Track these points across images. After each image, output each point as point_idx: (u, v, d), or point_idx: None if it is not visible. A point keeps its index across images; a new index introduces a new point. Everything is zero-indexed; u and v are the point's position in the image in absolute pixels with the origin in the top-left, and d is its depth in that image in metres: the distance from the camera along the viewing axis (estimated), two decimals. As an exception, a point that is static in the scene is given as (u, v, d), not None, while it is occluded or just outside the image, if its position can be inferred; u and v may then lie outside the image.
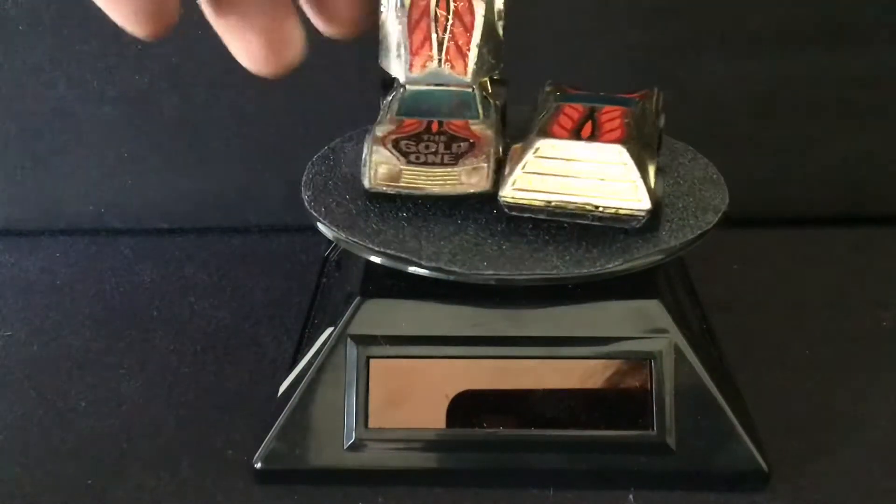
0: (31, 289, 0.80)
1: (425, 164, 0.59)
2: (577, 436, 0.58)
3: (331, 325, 0.61)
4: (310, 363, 0.60)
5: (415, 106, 0.63)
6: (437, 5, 0.63)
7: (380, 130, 0.61)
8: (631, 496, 0.58)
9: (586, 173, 0.57)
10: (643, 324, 0.59)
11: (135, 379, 0.69)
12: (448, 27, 0.63)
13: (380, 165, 0.59)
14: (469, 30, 0.64)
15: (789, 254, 0.84)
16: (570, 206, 0.57)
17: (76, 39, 0.83)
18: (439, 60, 0.64)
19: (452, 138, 0.61)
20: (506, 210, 0.58)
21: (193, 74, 0.84)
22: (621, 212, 0.56)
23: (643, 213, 0.56)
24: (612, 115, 0.60)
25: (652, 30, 0.83)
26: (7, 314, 0.77)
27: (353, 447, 0.59)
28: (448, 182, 0.59)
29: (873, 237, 0.86)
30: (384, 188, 0.59)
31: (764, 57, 0.84)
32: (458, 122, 0.62)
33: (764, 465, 0.58)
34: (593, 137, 0.58)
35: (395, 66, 0.64)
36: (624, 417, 0.58)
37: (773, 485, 0.59)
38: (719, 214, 0.61)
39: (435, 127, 0.62)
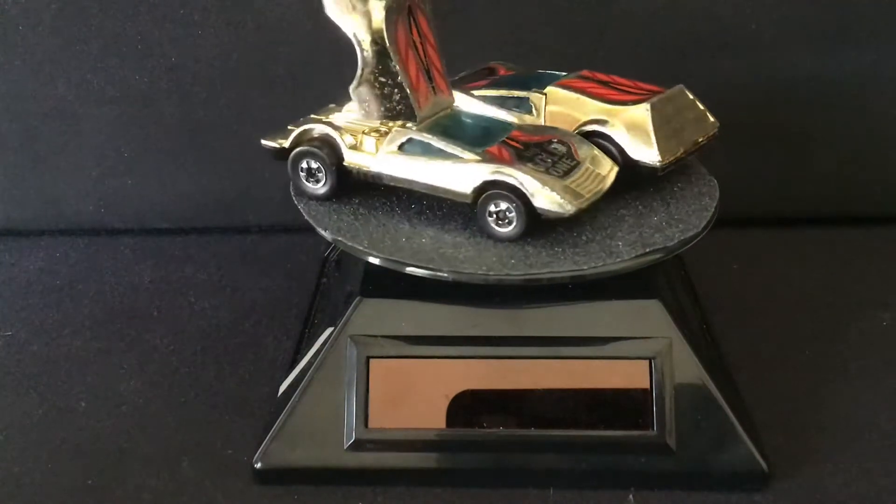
0: (31, 289, 0.80)
1: (568, 172, 0.58)
2: (577, 436, 0.58)
3: (331, 325, 0.61)
4: (310, 363, 0.60)
5: (461, 137, 0.59)
6: (410, 32, 0.61)
7: (513, 164, 0.57)
8: (631, 496, 0.58)
9: (679, 118, 0.64)
10: (643, 324, 0.59)
11: (135, 379, 0.69)
12: (425, 52, 0.61)
13: (565, 190, 0.57)
14: (436, 49, 0.62)
15: (789, 254, 0.84)
16: (690, 149, 0.63)
17: (76, 39, 0.83)
18: (433, 89, 0.62)
19: (541, 145, 0.60)
20: (659, 174, 0.62)
21: (193, 74, 0.85)
22: (711, 134, 0.65)
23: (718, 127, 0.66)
24: (604, 76, 0.67)
25: (652, 30, 0.83)
26: (7, 314, 0.77)
27: (353, 447, 0.59)
28: (597, 179, 0.59)
29: (873, 237, 0.86)
30: (585, 205, 0.57)
31: (764, 57, 0.84)
32: (515, 132, 0.61)
33: (764, 465, 0.58)
34: (650, 92, 0.64)
35: (396, 114, 0.61)
36: (624, 417, 0.58)
37: (773, 485, 0.59)
38: (713, 212, 0.61)
39: (516, 144, 0.60)
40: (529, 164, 0.57)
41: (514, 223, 0.57)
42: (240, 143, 0.86)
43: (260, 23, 0.83)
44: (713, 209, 0.62)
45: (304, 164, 0.62)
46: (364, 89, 0.60)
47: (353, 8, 0.59)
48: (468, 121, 0.62)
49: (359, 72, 0.60)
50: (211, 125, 0.86)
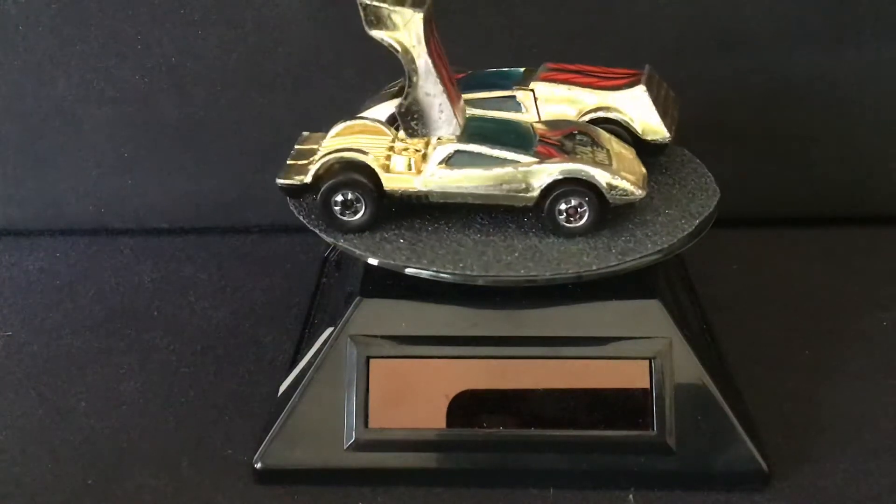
0: (31, 289, 0.80)
1: (611, 159, 0.59)
2: (577, 436, 0.58)
3: (331, 325, 0.61)
4: (310, 363, 0.60)
5: (504, 141, 0.59)
6: (434, 42, 0.59)
7: (575, 159, 0.58)
8: (631, 496, 0.58)
9: (660, 96, 0.66)
10: (643, 324, 0.59)
11: (135, 379, 0.69)
12: (443, 60, 0.60)
13: (629, 176, 0.58)
14: (445, 52, 0.61)
15: (789, 254, 0.84)
16: (676, 123, 0.66)
17: (76, 39, 0.83)
18: (458, 97, 0.60)
19: (570, 138, 0.61)
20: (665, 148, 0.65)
21: (193, 74, 0.84)
22: (678, 108, 0.68)
23: None
24: (571, 66, 0.68)
25: (652, 30, 0.83)
26: (7, 314, 0.77)
27: (353, 447, 0.59)
28: (632, 162, 0.60)
29: (873, 237, 0.86)
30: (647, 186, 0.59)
31: (764, 57, 0.84)
32: (539, 130, 0.61)
33: (764, 465, 0.58)
34: (627, 75, 0.67)
35: (441, 128, 0.58)
36: (624, 417, 0.58)
37: (773, 485, 0.59)
38: (711, 212, 0.61)
39: (553, 141, 0.60)
40: (581, 157, 0.58)
41: (587, 217, 0.58)
42: (240, 143, 0.86)
43: (260, 23, 0.83)
44: (710, 176, 0.65)
45: (339, 197, 0.58)
46: (413, 107, 0.58)
47: (396, 24, 0.57)
48: (491, 125, 0.61)
49: (407, 90, 0.57)
50: (211, 125, 0.86)
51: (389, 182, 0.59)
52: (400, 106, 0.58)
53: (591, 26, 0.83)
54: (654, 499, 0.58)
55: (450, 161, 0.58)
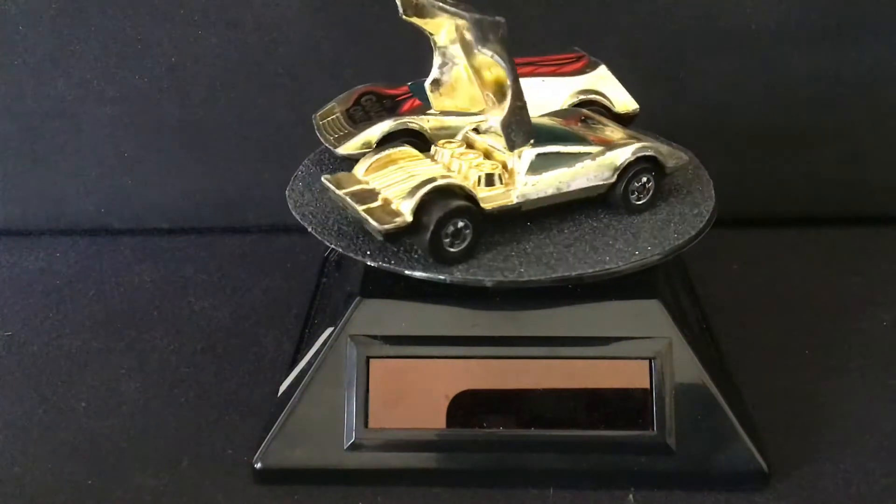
0: (31, 289, 0.80)
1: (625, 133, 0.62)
2: (577, 436, 0.58)
3: (331, 325, 0.61)
4: (310, 363, 0.60)
5: (564, 137, 0.60)
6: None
7: (633, 140, 0.60)
8: (631, 496, 0.58)
9: None
10: (643, 324, 0.59)
11: (135, 379, 0.69)
12: None
13: (670, 147, 0.62)
14: None
15: (789, 254, 0.84)
16: None
17: (76, 39, 0.84)
18: None
19: (587, 123, 0.63)
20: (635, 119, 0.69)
21: (193, 74, 0.85)
22: None
23: None
24: (521, 59, 0.66)
25: (652, 30, 0.83)
26: (7, 314, 0.77)
27: (353, 447, 0.59)
28: (638, 136, 0.63)
29: (873, 237, 0.86)
30: None
31: (764, 57, 0.84)
32: (560, 122, 0.63)
33: (764, 465, 0.58)
34: (572, 58, 0.70)
35: (529, 136, 0.57)
36: (624, 417, 0.58)
37: (773, 485, 0.59)
38: (711, 212, 0.62)
39: (587, 127, 0.62)
40: (637, 138, 0.61)
41: (651, 191, 0.61)
42: (240, 143, 0.86)
43: (260, 23, 0.83)
44: (709, 177, 0.66)
45: (449, 228, 0.55)
46: (511, 119, 0.56)
47: (495, 38, 0.56)
48: (538, 126, 0.61)
49: (508, 103, 0.56)
50: (211, 125, 0.86)
51: (487, 201, 0.57)
52: (504, 121, 0.56)
53: (591, 26, 0.83)
54: (654, 499, 0.58)
55: (533, 167, 0.58)
